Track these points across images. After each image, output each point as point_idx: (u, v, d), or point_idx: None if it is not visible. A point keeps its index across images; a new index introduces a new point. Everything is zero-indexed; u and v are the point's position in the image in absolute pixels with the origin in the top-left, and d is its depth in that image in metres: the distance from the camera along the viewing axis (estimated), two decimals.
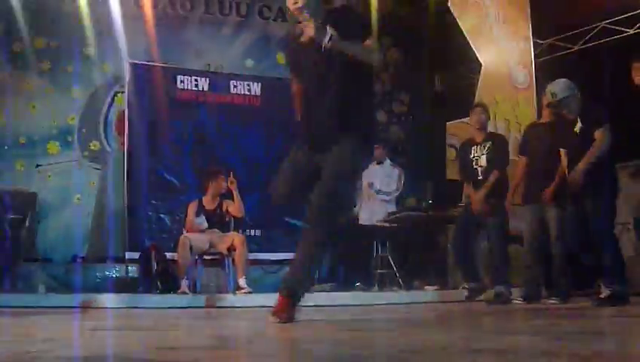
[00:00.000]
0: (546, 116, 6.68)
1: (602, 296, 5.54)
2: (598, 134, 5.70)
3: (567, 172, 5.99)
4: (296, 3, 3.86)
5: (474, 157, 6.72)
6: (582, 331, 3.19)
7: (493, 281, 6.67)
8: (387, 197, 8.74)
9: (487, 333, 3.21)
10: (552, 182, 6.28)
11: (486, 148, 6.68)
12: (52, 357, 1.74)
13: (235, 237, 7.49)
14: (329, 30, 3.78)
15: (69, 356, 1.72)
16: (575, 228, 5.89)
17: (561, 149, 6.15)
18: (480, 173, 6.65)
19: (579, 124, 5.83)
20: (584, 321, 4.11)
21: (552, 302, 6.26)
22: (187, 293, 7.13)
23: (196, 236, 7.51)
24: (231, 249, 7.45)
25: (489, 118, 7.11)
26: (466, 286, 6.77)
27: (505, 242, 6.62)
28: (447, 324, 4.15)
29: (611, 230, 5.82)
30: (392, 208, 8.74)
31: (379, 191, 8.71)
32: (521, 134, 7.97)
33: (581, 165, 5.66)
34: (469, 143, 6.92)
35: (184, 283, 7.20)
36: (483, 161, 6.65)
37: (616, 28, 9.63)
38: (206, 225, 7.60)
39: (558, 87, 5.97)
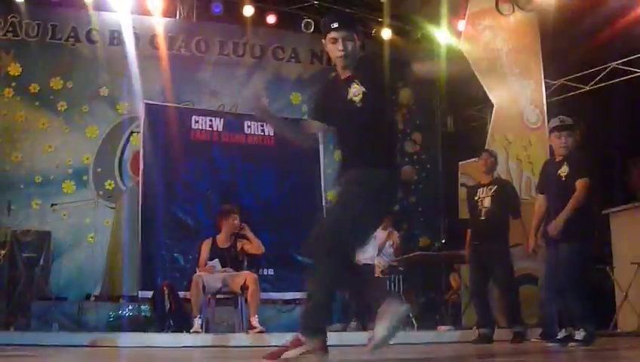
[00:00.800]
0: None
1: (577, 337, 5.55)
2: (579, 184, 5.72)
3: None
4: (341, 51, 3.92)
5: (479, 198, 6.84)
6: None
7: (508, 323, 6.69)
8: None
9: None
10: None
11: (492, 191, 6.79)
12: None
13: (248, 277, 7.49)
14: (358, 88, 3.91)
15: None
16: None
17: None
18: (483, 214, 6.76)
19: (565, 168, 5.85)
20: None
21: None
22: (200, 332, 7.12)
23: (209, 275, 7.53)
24: (244, 288, 7.46)
25: (496, 163, 7.21)
26: (478, 329, 6.74)
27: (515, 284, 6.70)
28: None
29: (581, 274, 5.83)
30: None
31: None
32: (532, 174, 8.01)
33: (561, 217, 5.65)
34: (476, 186, 7.13)
35: (197, 322, 7.19)
36: (487, 202, 6.75)
37: (628, 68, 9.70)
38: (219, 267, 7.62)
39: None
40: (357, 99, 3.89)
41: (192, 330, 7.15)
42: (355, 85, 3.91)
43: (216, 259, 7.62)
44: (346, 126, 4.02)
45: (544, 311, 6.41)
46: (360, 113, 3.89)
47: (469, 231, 7.00)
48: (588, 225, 5.84)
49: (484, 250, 6.69)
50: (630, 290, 7.60)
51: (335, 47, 3.94)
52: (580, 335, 5.56)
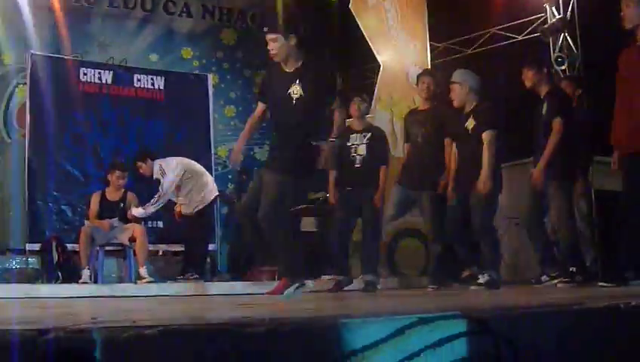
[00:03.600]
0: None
1: (480, 281, 5.93)
2: (485, 136, 6.05)
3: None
4: (272, 50, 4.72)
5: (352, 145, 6.65)
6: None
7: (363, 271, 6.72)
8: None
9: None
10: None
11: (366, 138, 6.66)
12: None
13: (136, 229, 7.63)
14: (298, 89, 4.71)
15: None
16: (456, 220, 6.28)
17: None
18: (358, 162, 6.61)
19: (471, 120, 6.17)
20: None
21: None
22: (88, 283, 7.20)
23: (97, 227, 7.61)
24: (131, 240, 7.59)
25: (369, 108, 7.09)
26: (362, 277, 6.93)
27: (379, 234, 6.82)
28: None
29: (492, 223, 6.26)
30: None
31: None
32: None
33: (484, 173, 5.94)
34: (348, 131, 6.71)
35: (85, 273, 7.28)
36: (362, 150, 6.61)
37: (507, 34, 10.24)
38: (117, 224, 7.73)
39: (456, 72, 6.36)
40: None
41: (80, 281, 7.23)
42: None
43: (116, 218, 7.71)
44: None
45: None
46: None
47: (333, 173, 6.75)
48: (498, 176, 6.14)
49: (356, 195, 6.59)
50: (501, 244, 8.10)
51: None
52: (483, 278, 5.88)
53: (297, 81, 4.71)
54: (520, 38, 10.17)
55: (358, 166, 6.61)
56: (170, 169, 7.86)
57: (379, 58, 10.02)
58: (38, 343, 1.34)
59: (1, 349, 1.33)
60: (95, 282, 7.44)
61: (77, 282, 7.26)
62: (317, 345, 1.59)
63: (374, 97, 9.84)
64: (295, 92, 4.70)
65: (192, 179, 8.01)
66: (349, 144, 6.64)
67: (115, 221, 7.71)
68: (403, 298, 4.89)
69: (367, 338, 1.64)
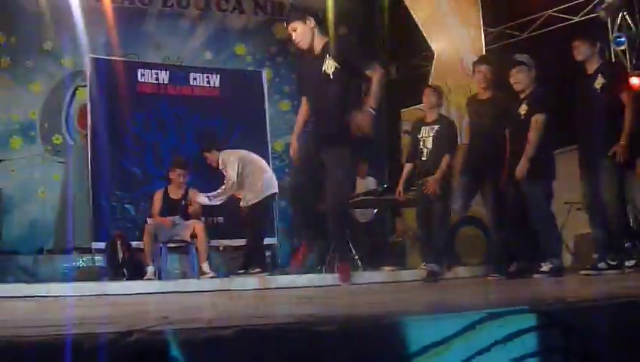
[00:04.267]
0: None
1: (544, 268, 5.86)
2: (534, 120, 5.95)
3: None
4: (296, 39, 4.99)
5: (422, 137, 6.76)
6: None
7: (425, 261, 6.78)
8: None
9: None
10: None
11: (434, 131, 6.73)
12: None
13: (196, 225, 7.75)
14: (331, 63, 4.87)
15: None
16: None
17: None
18: (425, 155, 6.72)
19: (524, 105, 6.11)
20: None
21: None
22: (153, 279, 7.36)
23: (161, 224, 7.77)
24: (193, 236, 7.73)
25: (441, 99, 7.06)
26: (425, 267, 6.94)
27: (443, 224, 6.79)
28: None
29: (549, 210, 6.18)
30: None
31: None
32: None
33: (523, 158, 5.90)
34: (419, 123, 6.98)
35: (150, 270, 7.44)
36: (429, 143, 6.69)
37: (562, 16, 10.04)
38: (179, 221, 7.87)
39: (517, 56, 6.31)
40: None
41: (145, 278, 7.39)
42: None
43: (177, 216, 7.85)
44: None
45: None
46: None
47: (407, 166, 7.01)
48: (551, 162, 6.11)
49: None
50: (563, 230, 7.99)
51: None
52: (546, 266, 5.84)
53: (328, 56, 4.88)
54: (577, 19, 9.95)
55: (424, 159, 6.71)
56: (230, 162, 7.96)
57: (432, 46, 9.96)
58: (120, 345, 1.39)
59: (86, 352, 1.39)
60: (159, 278, 7.59)
61: (141, 278, 7.41)
62: (387, 341, 1.61)
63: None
64: (329, 67, 4.83)
65: (252, 173, 8.08)
66: (419, 136, 6.76)
67: (177, 218, 7.85)
68: (467, 288, 4.87)
69: (437, 334, 1.65)
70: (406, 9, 9.88)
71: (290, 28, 4.93)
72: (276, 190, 8.20)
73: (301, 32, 4.88)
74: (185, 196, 8.03)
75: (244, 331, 1.48)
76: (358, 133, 4.89)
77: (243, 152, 8.20)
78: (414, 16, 9.81)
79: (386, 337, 1.61)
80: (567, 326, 1.78)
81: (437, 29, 9.95)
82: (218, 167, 8.05)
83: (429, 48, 10.14)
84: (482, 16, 10.14)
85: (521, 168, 5.89)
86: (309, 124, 5.34)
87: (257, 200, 7.99)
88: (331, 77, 4.87)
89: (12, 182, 9.69)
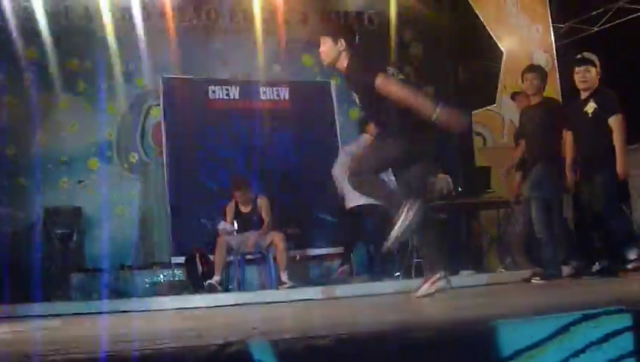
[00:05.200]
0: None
1: (629, 266, 5.73)
2: (614, 122, 5.85)
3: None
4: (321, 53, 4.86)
5: (530, 122, 6.57)
6: None
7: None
8: None
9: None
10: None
11: (542, 113, 6.47)
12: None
13: (275, 236, 7.83)
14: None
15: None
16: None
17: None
18: (534, 138, 6.50)
19: (592, 104, 5.99)
20: None
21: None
22: (219, 290, 7.46)
23: (235, 237, 7.87)
24: (271, 246, 7.80)
25: (545, 80, 6.68)
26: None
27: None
28: None
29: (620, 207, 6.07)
30: None
31: None
32: None
33: (620, 159, 5.79)
34: (527, 110, 6.78)
35: (216, 280, 7.56)
36: (537, 126, 6.48)
37: (634, 7, 9.78)
38: (229, 228, 7.97)
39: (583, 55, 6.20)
40: None
41: (209, 289, 7.51)
42: None
43: (234, 223, 7.95)
44: None
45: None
46: None
47: (518, 152, 6.93)
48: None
49: None
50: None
51: None
52: (632, 264, 5.73)
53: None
54: None
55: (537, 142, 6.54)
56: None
57: (500, 45, 9.85)
58: (222, 356, 1.43)
59: None
60: (239, 290, 7.70)
61: (216, 291, 7.51)
62: (482, 346, 1.61)
63: (499, 85, 9.71)
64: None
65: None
66: (526, 121, 6.68)
67: (251, 232, 7.94)
68: (555, 290, 4.79)
69: (532, 337, 1.64)
70: (471, 9, 9.82)
71: (321, 40, 4.89)
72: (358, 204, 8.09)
73: (327, 50, 4.82)
74: (254, 207, 8.11)
75: (339, 340, 1.50)
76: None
77: None
78: (480, 16, 9.73)
79: (480, 342, 1.61)
80: None
81: (504, 28, 9.84)
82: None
83: (496, 48, 10.04)
84: (550, 12, 9.97)
85: (621, 169, 5.78)
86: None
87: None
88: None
89: (92, 201, 9.97)
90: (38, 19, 10.05)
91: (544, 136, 6.36)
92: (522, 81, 6.73)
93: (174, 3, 10.57)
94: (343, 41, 4.77)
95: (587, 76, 6.06)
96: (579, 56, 6.36)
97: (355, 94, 4.87)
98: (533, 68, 6.91)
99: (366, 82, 4.61)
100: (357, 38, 4.92)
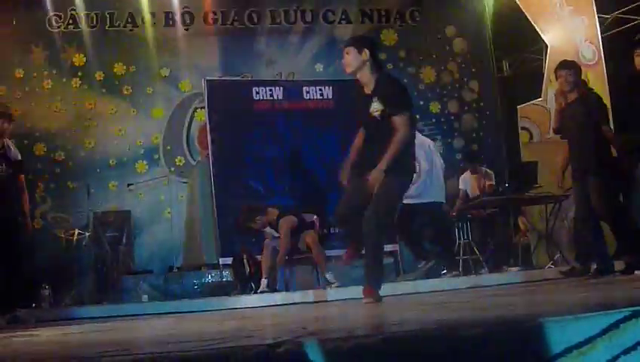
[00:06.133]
0: None
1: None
2: None
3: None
4: (344, 62, 4.89)
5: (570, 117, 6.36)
6: None
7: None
8: None
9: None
10: None
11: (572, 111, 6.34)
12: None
13: (307, 237, 7.79)
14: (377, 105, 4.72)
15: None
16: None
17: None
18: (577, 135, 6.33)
19: None
20: None
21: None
22: (266, 291, 7.49)
23: (278, 239, 7.88)
24: (307, 247, 7.80)
25: (579, 75, 6.44)
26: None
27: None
28: None
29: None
30: None
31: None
32: None
33: None
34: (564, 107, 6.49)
35: (264, 283, 7.58)
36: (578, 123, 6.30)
37: None
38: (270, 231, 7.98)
39: None
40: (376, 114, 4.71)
41: (259, 290, 7.55)
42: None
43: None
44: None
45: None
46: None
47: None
48: None
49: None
50: None
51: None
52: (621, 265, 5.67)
53: (375, 98, 4.76)
54: None
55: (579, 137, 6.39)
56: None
57: (545, 38, 9.74)
58: (271, 356, 1.45)
59: None
60: (287, 290, 7.73)
61: (263, 291, 7.55)
62: (531, 343, 1.61)
63: (544, 79, 9.60)
64: (375, 109, 4.74)
65: None
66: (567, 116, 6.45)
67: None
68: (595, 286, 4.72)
69: (582, 334, 1.63)
70: (514, 2, 9.73)
71: (345, 50, 4.88)
72: None
73: (350, 60, 4.80)
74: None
75: (388, 339, 1.51)
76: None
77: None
78: (523, 9, 9.63)
79: (529, 339, 1.60)
80: None
81: (548, 20, 9.72)
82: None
83: (540, 41, 9.93)
84: (595, 3, 9.81)
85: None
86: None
87: None
88: (378, 118, 4.75)
89: (140, 204, 10.17)
90: (83, 24, 10.30)
91: (587, 133, 6.22)
92: (556, 78, 6.61)
93: (218, 6, 10.68)
94: (367, 51, 4.78)
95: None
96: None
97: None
98: (566, 64, 6.75)
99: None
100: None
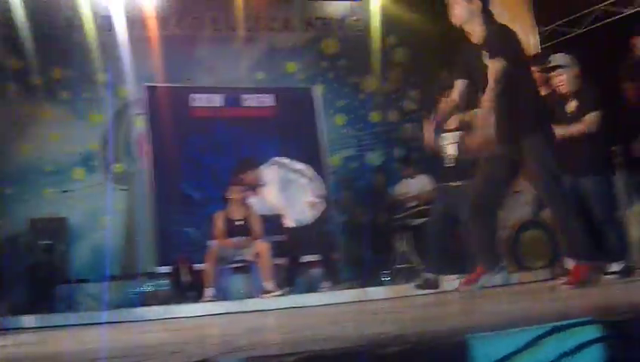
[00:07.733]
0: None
1: (614, 269, 5.68)
2: (589, 118, 5.76)
3: None
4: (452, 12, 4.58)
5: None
6: None
7: None
8: None
9: None
10: None
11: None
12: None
13: (259, 245, 7.79)
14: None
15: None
16: None
17: None
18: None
19: (574, 102, 5.91)
20: None
21: None
22: (212, 300, 7.42)
23: (223, 246, 7.84)
24: (257, 256, 7.78)
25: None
26: None
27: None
28: None
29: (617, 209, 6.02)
30: None
31: None
32: None
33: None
34: None
35: (208, 292, 7.52)
36: None
37: (614, 10, 9.82)
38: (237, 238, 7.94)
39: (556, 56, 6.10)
40: None
41: (203, 299, 7.48)
42: None
43: (241, 237, 7.92)
44: None
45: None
46: None
47: None
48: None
49: None
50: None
51: None
52: (617, 266, 5.64)
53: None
54: (629, 11, 9.71)
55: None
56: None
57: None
58: None
59: None
60: (224, 299, 7.66)
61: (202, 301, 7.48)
62: (455, 359, 1.60)
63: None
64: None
65: (290, 191, 8.18)
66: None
67: (241, 239, 7.92)
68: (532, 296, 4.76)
69: (502, 350, 1.64)
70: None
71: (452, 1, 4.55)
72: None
73: (460, 10, 4.51)
74: (247, 216, 8.08)
75: (310, 358, 1.49)
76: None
77: (279, 170, 8.24)
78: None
79: (449, 357, 1.60)
80: (635, 336, 1.74)
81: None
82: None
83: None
84: (535, 15, 9.98)
85: None
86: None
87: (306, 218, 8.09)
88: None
89: (76, 211, 9.92)
90: (19, 28, 10.04)
91: None
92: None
93: (159, 11, 10.55)
94: (479, 2, 4.50)
95: (561, 79, 5.99)
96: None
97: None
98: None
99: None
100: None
